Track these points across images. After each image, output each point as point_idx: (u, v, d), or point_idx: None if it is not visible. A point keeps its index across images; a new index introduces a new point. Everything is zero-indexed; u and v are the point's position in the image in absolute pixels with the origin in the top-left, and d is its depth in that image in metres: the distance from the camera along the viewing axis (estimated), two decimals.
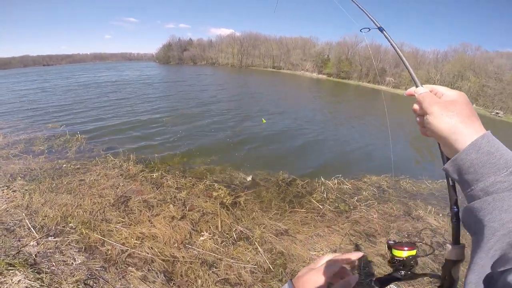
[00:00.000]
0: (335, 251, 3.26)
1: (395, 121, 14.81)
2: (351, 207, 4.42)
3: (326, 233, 3.63)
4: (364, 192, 4.97)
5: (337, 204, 4.47)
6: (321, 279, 0.52)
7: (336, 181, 5.26)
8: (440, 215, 4.57)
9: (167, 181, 4.74)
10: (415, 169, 7.00)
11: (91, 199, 3.90)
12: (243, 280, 2.76)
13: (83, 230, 3.19)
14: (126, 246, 3.01)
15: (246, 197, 4.43)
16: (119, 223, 3.44)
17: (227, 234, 3.40)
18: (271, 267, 2.93)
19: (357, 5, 1.05)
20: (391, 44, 0.89)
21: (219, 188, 4.57)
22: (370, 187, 5.27)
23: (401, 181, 5.97)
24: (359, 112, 17.23)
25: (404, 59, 0.83)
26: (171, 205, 3.91)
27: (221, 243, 3.19)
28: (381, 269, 3.09)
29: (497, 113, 38.27)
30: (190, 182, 4.79)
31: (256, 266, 2.93)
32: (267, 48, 74.73)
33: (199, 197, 4.26)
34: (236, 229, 3.51)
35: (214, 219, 3.69)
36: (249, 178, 5.16)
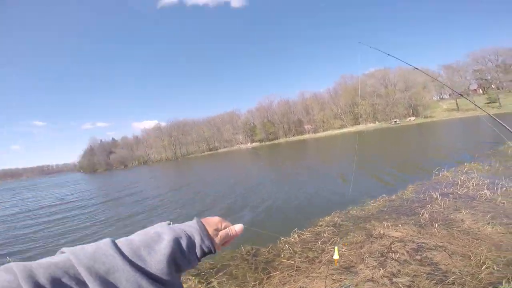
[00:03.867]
0: None
1: (329, 160, 16.64)
2: (319, 251, 4.45)
3: (308, 283, 3.55)
4: (325, 234, 5.11)
5: (305, 254, 4.45)
6: (217, 220, 0.62)
7: (295, 235, 5.32)
8: (399, 225, 4.89)
9: None
10: (356, 196, 7.59)
11: None
12: None
13: None
14: None
15: (218, 279, 4.16)
16: None
17: None
18: None
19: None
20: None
21: (187, 279, 4.21)
22: (327, 227, 5.47)
23: (350, 211, 6.42)
24: (295, 165, 18.70)
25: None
26: None
27: None
28: None
29: (395, 122, 47.53)
30: None
31: None
32: (198, 132, 75.90)
33: None
34: None
35: None
36: None
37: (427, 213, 5.27)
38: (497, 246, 3.77)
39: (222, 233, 0.61)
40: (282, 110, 69.23)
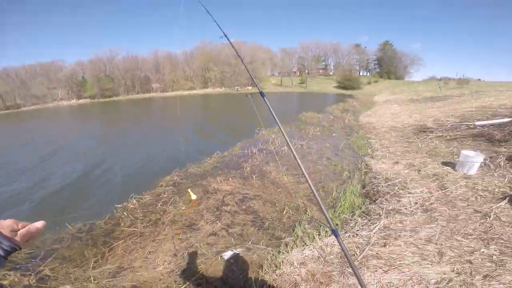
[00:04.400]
0: (174, 255, 3.32)
1: (174, 119, 16.82)
2: (162, 213, 4.49)
3: (156, 247, 3.57)
4: (165, 195, 5.14)
5: (148, 218, 4.38)
6: (10, 222, 0.66)
7: (134, 200, 5.04)
8: (229, 179, 5.52)
9: None
10: (196, 154, 8.10)
11: None
12: None
13: None
14: None
15: (50, 266, 3.49)
16: None
17: None
18: None
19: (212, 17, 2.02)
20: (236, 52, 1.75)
21: (4, 275, 3.34)
22: (167, 187, 5.52)
23: (188, 169, 6.67)
24: (138, 124, 17.36)
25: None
26: None
27: None
28: (220, 244, 3.47)
29: (237, 89, 56.50)
30: None
31: None
32: None
33: None
34: None
35: None
36: None
37: (248, 167, 6.26)
38: (290, 193, 4.85)
39: (21, 232, 0.66)
40: (127, 65, 60.24)
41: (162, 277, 2.95)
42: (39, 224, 0.72)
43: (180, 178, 6.05)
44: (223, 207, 4.50)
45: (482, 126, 7.35)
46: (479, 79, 54.60)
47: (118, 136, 14.41)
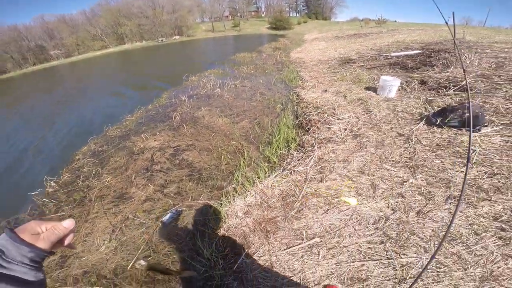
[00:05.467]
0: (113, 231, 3.02)
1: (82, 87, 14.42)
2: (85, 189, 3.94)
3: (91, 227, 3.17)
4: (84, 169, 4.45)
5: (72, 198, 3.80)
6: (31, 225, 0.59)
7: (51, 183, 4.26)
8: (157, 134, 5.10)
9: None
10: (116, 115, 6.95)
11: None
12: None
13: None
14: None
15: None
16: None
17: None
18: None
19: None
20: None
21: None
22: (85, 159, 4.77)
23: (107, 132, 5.86)
24: (28, 101, 14.13)
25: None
26: None
27: None
28: (158, 208, 3.21)
29: (162, 40, 51.67)
30: None
31: None
32: None
33: None
34: None
35: None
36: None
37: (178, 116, 5.82)
38: (226, 135, 4.68)
39: (45, 235, 0.60)
40: (6, 38, 49.32)
41: (108, 257, 2.72)
42: (66, 223, 0.65)
43: (99, 146, 5.26)
44: (154, 166, 4.11)
45: (397, 56, 7.97)
46: (395, 20, 59.65)
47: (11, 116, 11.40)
